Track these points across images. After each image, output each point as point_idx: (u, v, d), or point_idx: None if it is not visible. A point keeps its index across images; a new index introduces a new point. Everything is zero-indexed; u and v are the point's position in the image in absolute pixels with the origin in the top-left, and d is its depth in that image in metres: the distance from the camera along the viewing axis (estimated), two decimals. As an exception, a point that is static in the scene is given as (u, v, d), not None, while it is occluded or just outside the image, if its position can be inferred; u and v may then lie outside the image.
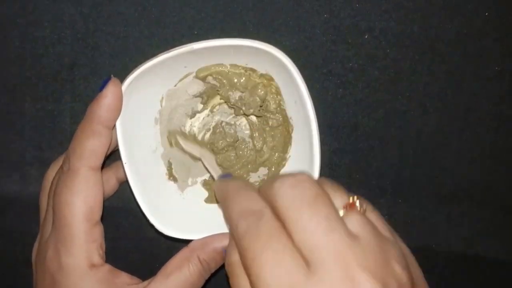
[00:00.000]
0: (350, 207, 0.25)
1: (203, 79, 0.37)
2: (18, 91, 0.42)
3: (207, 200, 0.40)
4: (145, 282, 0.35)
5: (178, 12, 0.40)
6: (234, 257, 0.25)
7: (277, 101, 0.37)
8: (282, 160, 0.39)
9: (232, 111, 0.40)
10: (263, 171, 0.40)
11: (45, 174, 0.38)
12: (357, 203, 0.25)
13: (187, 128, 0.40)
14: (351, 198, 0.25)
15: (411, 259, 0.26)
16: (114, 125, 0.34)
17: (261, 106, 0.37)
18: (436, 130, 0.42)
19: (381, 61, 0.41)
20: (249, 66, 0.36)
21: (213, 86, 0.38)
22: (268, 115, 0.38)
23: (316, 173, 0.34)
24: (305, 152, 0.35)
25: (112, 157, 0.38)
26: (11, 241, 0.44)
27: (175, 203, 0.38)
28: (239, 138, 0.41)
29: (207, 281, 0.36)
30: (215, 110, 0.41)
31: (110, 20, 0.40)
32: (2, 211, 0.44)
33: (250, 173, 0.40)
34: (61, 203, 0.33)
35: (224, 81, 0.37)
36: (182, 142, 0.39)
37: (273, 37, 0.40)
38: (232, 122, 0.41)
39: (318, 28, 0.40)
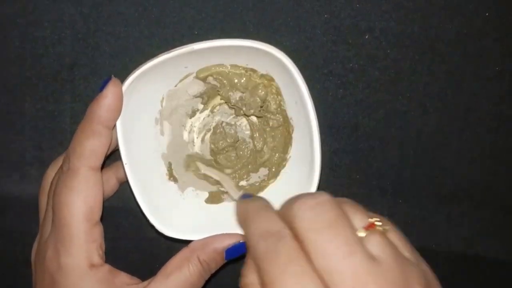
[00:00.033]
0: (370, 227, 0.24)
1: (204, 79, 0.37)
2: (18, 91, 0.42)
3: (207, 201, 0.40)
4: (145, 282, 0.35)
5: (178, 12, 0.40)
6: (250, 279, 0.25)
7: (278, 102, 0.37)
8: (283, 161, 0.39)
9: (233, 111, 0.40)
10: (263, 171, 0.40)
11: (45, 174, 0.38)
12: (378, 224, 0.24)
13: (188, 129, 0.40)
14: (371, 219, 0.25)
15: (434, 281, 0.25)
16: (114, 125, 0.34)
17: (261, 107, 0.37)
18: (436, 130, 0.42)
19: (382, 62, 0.41)
20: (250, 66, 0.36)
21: (213, 87, 0.38)
22: (269, 115, 0.38)
23: (316, 174, 0.34)
24: (306, 152, 0.35)
25: (112, 157, 0.38)
26: (11, 241, 0.44)
27: (175, 204, 0.38)
28: (240, 138, 0.41)
29: (207, 281, 0.36)
30: (215, 110, 0.41)
31: (110, 20, 0.40)
32: (2, 211, 0.44)
33: (251, 174, 0.40)
34: (61, 203, 0.33)
35: (225, 81, 0.37)
36: (201, 167, 0.40)
37: (274, 38, 0.40)
38: (233, 123, 0.41)
39: (319, 29, 0.40)
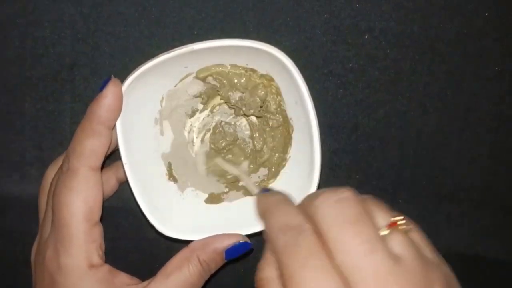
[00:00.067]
0: (393, 226, 0.24)
1: (203, 79, 0.37)
2: (18, 91, 0.42)
3: (207, 201, 0.40)
4: (145, 282, 0.35)
5: (178, 12, 0.40)
6: (267, 273, 0.24)
7: (278, 102, 0.37)
8: (282, 161, 0.39)
9: (232, 111, 0.40)
10: (263, 171, 0.40)
11: (45, 174, 0.38)
12: (401, 223, 0.24)
13: (187, 129, 0.41)
14: (394, 218, 0.25)
15: (455, 283, 0.25)
16: (114, 125, 0.34)
17: (261, 107, 0.37)
18: (436, 130, 0.42)
19: (381, 62, 0.41)
20: (250, 66, 0.36)
21: (213, 87, 0.38)
22: (268, 115, 0.38)
23: (316, 174, 0.34)
24: (306, 152, 0.35)
25: (112, 157, 0.38)
26: (11, 241, 0.44)
27: (175, 204, 0.38)
28: (239, 138, 0.41)
29: (207, 281, 0.36)
30: (215, 110, 0.41)
31: (110, 20, 0.40)
32: (2, 211, 0.44)
33: (251, 174, 0.40)
34: (61, 203, 0.33)
35: (225, 81, 0.37)
36: (220, 163, 0.40)
37: (273, 38, 0.40)
38: (232, 123, 0.41)
39: (319, 29, 0.40)
